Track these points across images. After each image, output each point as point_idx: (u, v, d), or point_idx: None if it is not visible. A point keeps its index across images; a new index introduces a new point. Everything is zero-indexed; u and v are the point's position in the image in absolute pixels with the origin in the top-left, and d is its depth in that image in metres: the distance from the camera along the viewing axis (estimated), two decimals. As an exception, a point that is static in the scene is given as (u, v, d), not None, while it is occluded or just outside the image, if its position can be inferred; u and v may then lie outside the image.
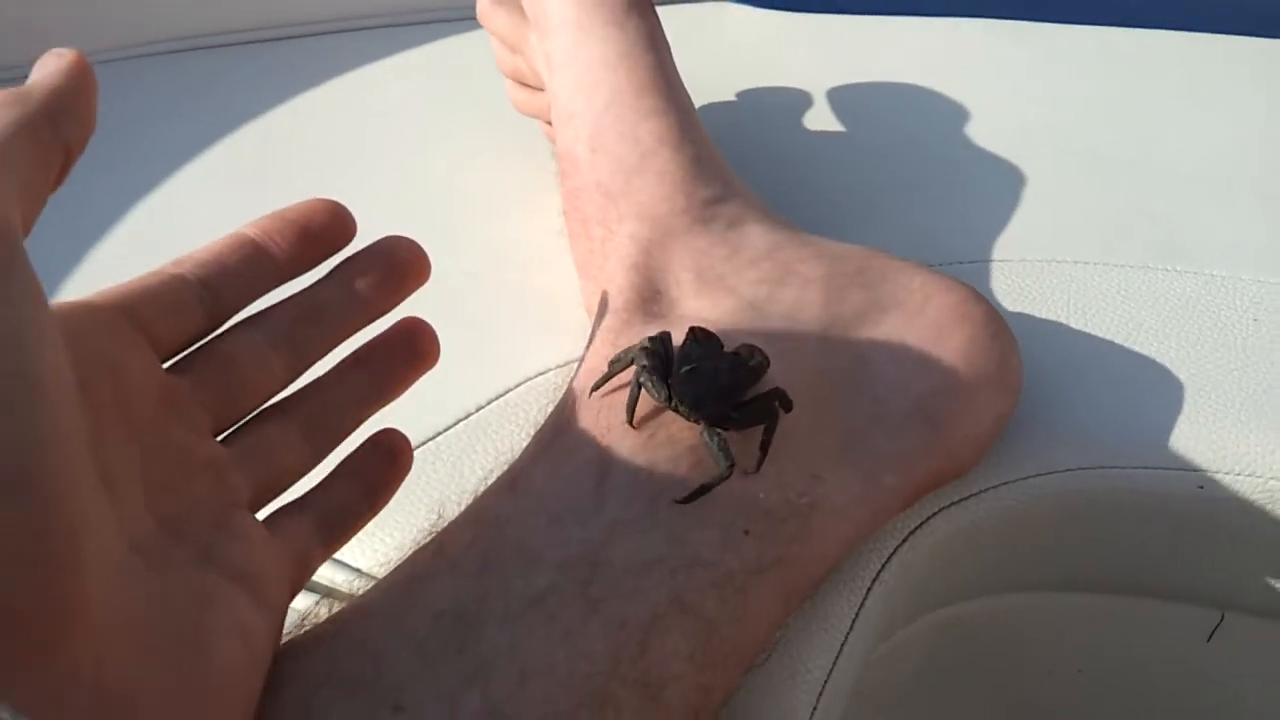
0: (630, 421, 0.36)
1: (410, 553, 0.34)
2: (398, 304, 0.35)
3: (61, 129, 0.26)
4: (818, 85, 0.62)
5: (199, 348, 0.31)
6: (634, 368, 0.36)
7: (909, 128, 0.60)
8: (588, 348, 0.41)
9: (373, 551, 0.40)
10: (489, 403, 0.45)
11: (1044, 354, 0.45)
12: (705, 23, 0.68)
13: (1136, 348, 0.47)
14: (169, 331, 0.30)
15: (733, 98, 0.62)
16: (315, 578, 0.39)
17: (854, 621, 0.38)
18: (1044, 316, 0.48)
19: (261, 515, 0.32)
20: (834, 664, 0.37)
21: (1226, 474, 0.43)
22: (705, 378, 0.35)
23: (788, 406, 0.36)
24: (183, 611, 0.26)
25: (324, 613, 0.33)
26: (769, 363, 0.37)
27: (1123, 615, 0.49)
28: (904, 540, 0.40)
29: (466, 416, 0.44)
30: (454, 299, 0.50)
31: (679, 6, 0.68)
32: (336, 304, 0.33)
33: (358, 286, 0.34)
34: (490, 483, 0.36)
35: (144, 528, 0.27)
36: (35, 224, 0.25)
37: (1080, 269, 0.50)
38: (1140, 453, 0.43)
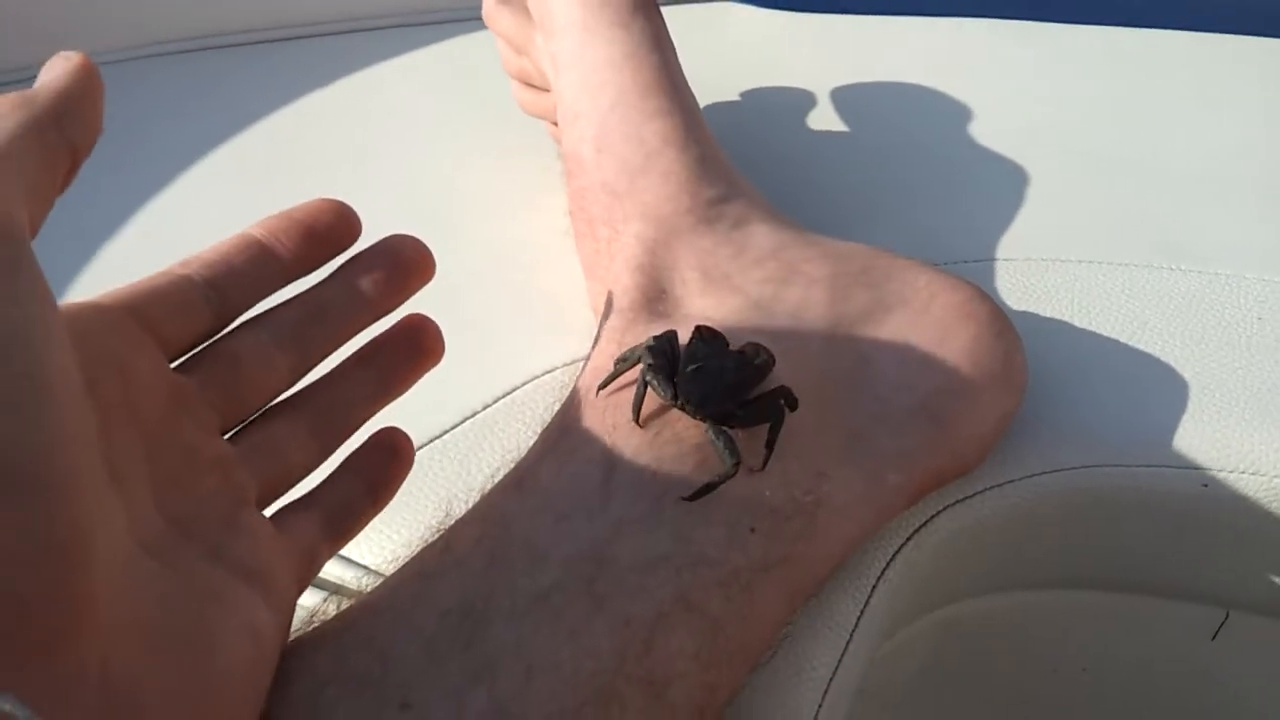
0: (636, 420, 0.36)
1: (418, 550, 0.34)
2: (403, 302, 0.35)
3: (68, 131, 0.26)
4: (822, 85, 0.62)
5: (206, 347, 0.32)
6: (640, 366, 0.36)
7: (913, 127, 0.60)
8: (593, 347, 0.41)
9: (380, 549, 0.40)
10: (495, 401, 0.45)
11: (1048, 352, 0.45)
12: (710, 23, 0.68)
13: (1141, 346, 0.47)
14: (176, 331, 0.30)
15: (737, 98, 0.62)
16: (323, 575, 0.39)
17: (859, 619, 0.38)
18: (1048, 315, 0.48)
19: (268, 513, 0.32)
20: (839, 662, 0.37)
21: (1231, 472, 0.43)
22: (711, 376, 0.35)
23: (793, 405, 0.36)
24: (191, 609, 0.26)
25: (332, 610, 0.33)
26: (774, 361, 0.37)
27: (1127, 613, 0.49)
28: (909, 538, 0.40)
29: (473, 415, 0.44)
30: (460, 298, 0.50)
31: (684, 7, 0.68)
32: (342, 302, 0.34)
33: (363, 285, 0.34)
34: (497, 481, 0.36)
35: (152, 526, 0.27)
36: (43, 225, 0.25)
37: (1084, 268, 0.50)
38: (1144, 451, 0.43)
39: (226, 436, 0.32)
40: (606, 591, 0.32)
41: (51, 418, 0.22)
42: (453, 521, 0.35)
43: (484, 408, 0.45)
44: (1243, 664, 0.50)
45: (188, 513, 0.28)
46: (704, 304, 0.41)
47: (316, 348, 0.33)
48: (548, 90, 0.51)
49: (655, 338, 0.37)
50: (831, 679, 0.37)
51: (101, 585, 0.22)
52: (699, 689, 0.32)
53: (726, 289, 0.42)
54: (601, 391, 0.37)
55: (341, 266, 0.34)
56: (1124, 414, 0.44)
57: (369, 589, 0.34)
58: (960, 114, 0.60)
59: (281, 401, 0.33)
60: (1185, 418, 0.44)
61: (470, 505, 0.36)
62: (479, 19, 0.56)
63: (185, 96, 0.65)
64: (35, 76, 0.27)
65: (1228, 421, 0.44)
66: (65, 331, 0.24)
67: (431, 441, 0.43)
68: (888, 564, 0.39)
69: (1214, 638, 0.48)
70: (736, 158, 0.48)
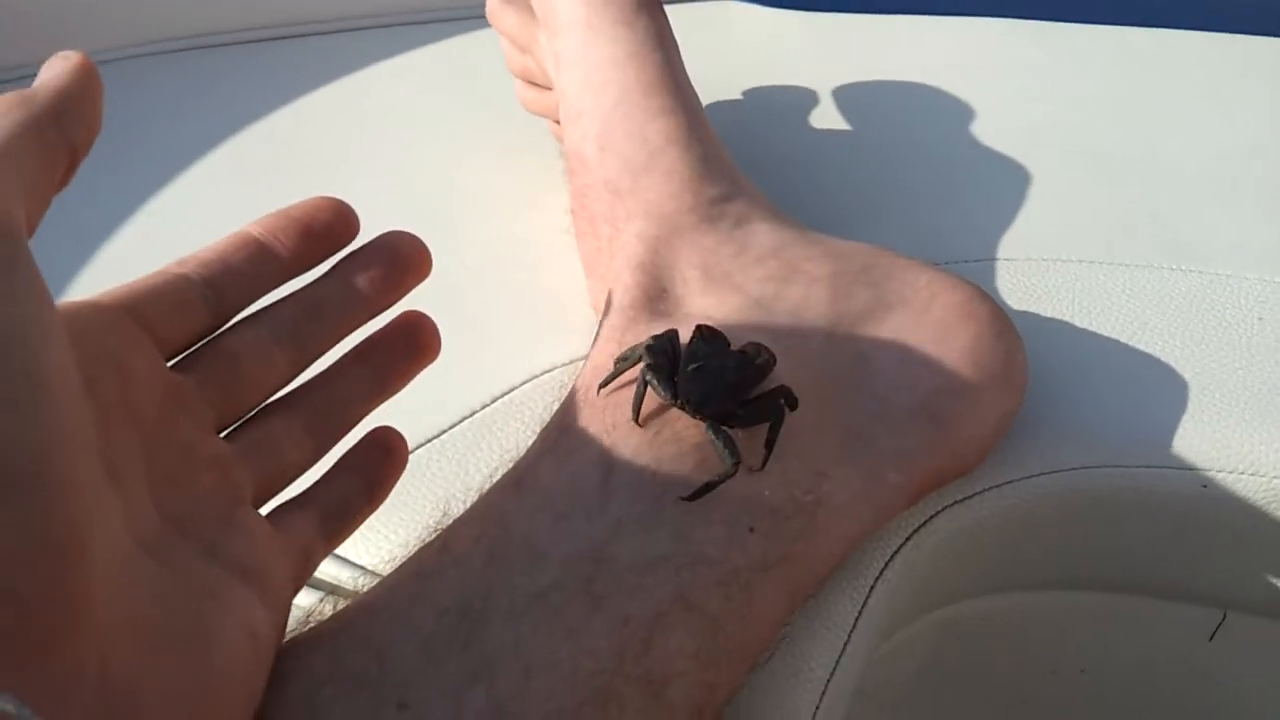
0: (636, 419, 0.36)
1: (415, 550, 0.34)
2: (400, 298, 0.35)
3: (67, 130, 0.26)
4: (824, 84, 0.62)
5: (203, 345, 0.32)
6: (640, 365, 0.36)
7: (915, 126, 0.60)
8: (593, 345, 0.41)
9: (377, 549, 0.40)
10: (494, 400, 0.45)
11: (1049, 353, 0.45)
12: (713, 21, 0.68)
13: (1141, 347, 0.47)
14: (173, 330, 0.30)
15: (739, 96, 0.62)
16: (320, 575, 0.39)
17: (857, 620, 0.38)
18: (1049, 315, 0.48)
19: (264, 511, 0.32)
20: (837, 662, 0.37)
21: (1230, 473, 0.43)
22: (712, 375, 0.35)
23: (793, 404, 0.36)
24: (188, 607, 0.26)
25: (329, 610, 0.33)
26: (775, 361, 0.37)
27: (1125, 614, 0.49)
28: (908, 538, 0.40)
29: (472, 414, 0.44)
30: (460, 297, 0.50)
31: (687, 5, 0.68)
32: (338, 300, 0.34)
33: (359, 282, 0.34)
34: (495, 480, 0.36)
35: (150, 524, 0.27)
36: (40, 224, 0.25)
37: (1085, 268, 0.50)
38: (1144, 451, 0.43)
39: (223, 435, 0.32)
40: (605, 591, 0.32)
41: (49, 416, 0.22)
42: (451, 521, 0.35)
43: (483, 407, 0.45)
44: (1241, 664, 0.50)
45: (184, 511, 0.28)
46: (705, 303, 0.41)
47: (313, 345, 0.33)
48: (550, 88, 0.51)
49: (655, 337, 0.37)
50: (830, 679, 0.37)
51: (99, 584, 0.22)
52: (698, 688, 0.32)
53: (727, 288, 0.42)
54: (601, 391, 0.37)
55: (338, 263, 0.34)
56: (1124, 414, 0.44)
57: (366, 589, 0.34)
58: (962, 113, 0.60)
59: (278, 399, 0.33)
60: (1185, 418, 0.44)
61: (468, 505, 0.36)
62: (482, 17, 0.56)
63: (185, 95, 0.65)
64: (34, 75, 0.27)
65: (1228, 422, 0.44)
66: (63, 330, 0.24)
67: (430, 441, 0.43)
68: (886, 564, 0.39)
69: (1212, 638, 0.48)
70: (739, 157, 0.48)
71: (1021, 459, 0.42)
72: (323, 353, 0.34)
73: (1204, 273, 0.50)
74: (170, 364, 0.31)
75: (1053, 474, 0.42)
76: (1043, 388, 0.44)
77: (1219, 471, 0.43)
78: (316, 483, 0.34)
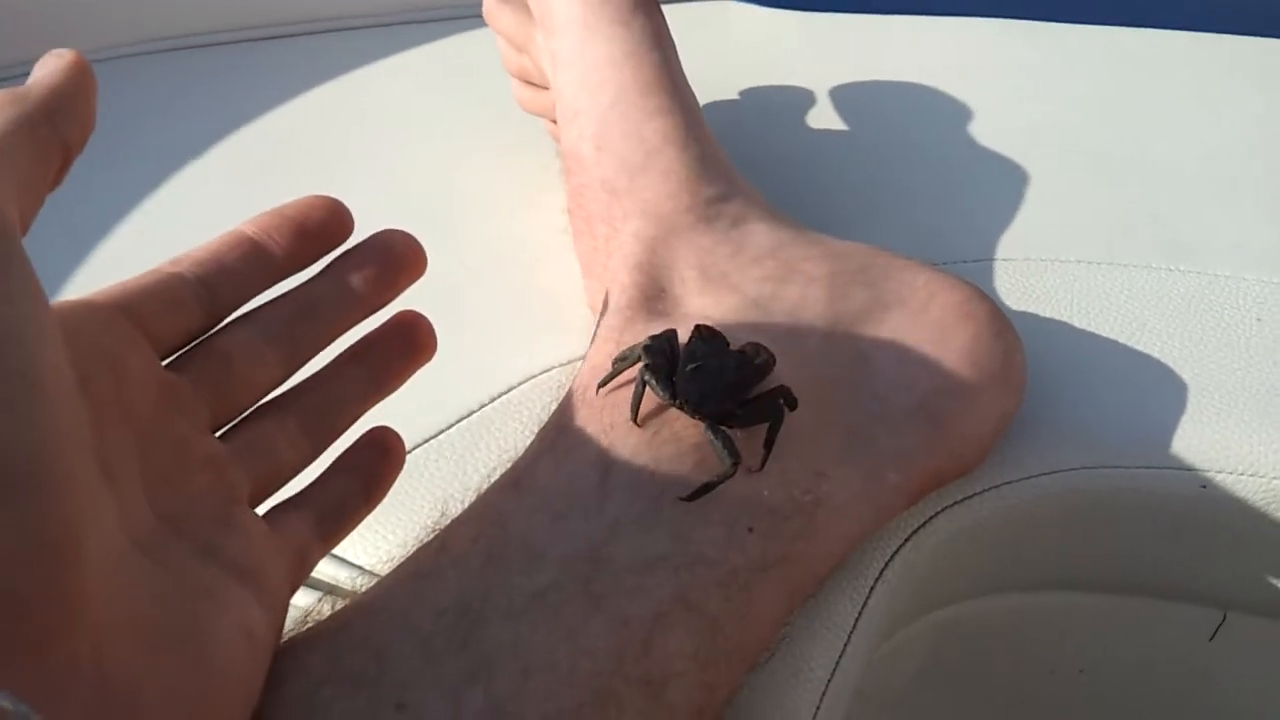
0: (634, 419, 0.36)
1: (413, 550, 0.34)
2: (394, 297, 0.35)
3: (60, 127, 0.26)
4: (822, 84, 0.62)
5: (197, 345, 0.31)
6: (639, 365, 0.36)
7: (912, 127, 0.60)
8: (591, 345, 0.41)
9: (375, 549, 0.40)
10: (492, 401, 0.45)
11: (1047, 353, 0.45)
12: (710, 21, 0.68)
13: (1140, 347, 0.47)
14: (167, 329, 0.30)
15: (736, 96, 0.62)
16: (318, 575, 0.39)
17: (857, 620, 0.38)
18: (1047, 316, 0.48)
19: (260, 511, 0.32)
20: (837, 663, 0.37)
21: (1229, 474, 0.43)
22: (710, 375, 0.35)
23: (792, 404, 0.36)
24: (184, 606, 0.26)
25: (327, 610, 0.33)
26: (775, 361, 0.37)
27: (1125, 615, 0.49)
28: (907, 539, 0.40)
29: (469, 414, 0.44)
30: (457, 297, 0.50)
31: (684, 5, 0.68)
32: (332, 299, 0.33)
33: (353, 281, 0.33)
34: (493, 480, 0.36)
35: (145, 523, 0.27)
36: (34, 222, 0.25)
37: (1084, 268, 0.50)
38: (1143, 452, 0.43)
39: (218, 435, 0.31)
40: (604, 591, 0.32)
41: (44, 416, 0.22)
42: (449, 521, 0.35)
43: (480, 407, 0.45)
44: (1240, 665, 0.50)
45: (180, 510, 0.28)
46: (702, 303, 0.41)
47: (307, 344, 0.33)
48: (547, 88, 0.51)
49: (654, 337, 0.37)
50: (830, 680, 0.37)
51: (94, 582, 0.22)
52: (697, 689, 0.32)
53: (725, 287, 0.42)
54: (600, 390, 0.37)
55: (332, 262, 0.34)
56: (1123, 415, 0.44)
57: (364, 589, 0.34)
58: (960, 113, 0.60)
59: (273, 399, 0.33)
60: (1184, 419, 0.44)
61: (466, 505, 0.36)
62: (478, 17, 0.56)
63: (181, 94, 0.65)
64: (28, 73, 0.27)
65: (1226, 423, 0.44)
66: (58, 329, 0.24)
67: (427, 441, 0.43)
68: (886, 565, 0.39)
69: (1212, 639, 0.48)
70: (736, 157, 0.48)
71: (1020, 460, 0.42)
72: (317, 352, 0.34)
73: (1203, 273, 0.50)
74: (164, 363, 0.30)
75: (1052, 475, 0.42)
76: (1041, 388, 0.44)
77: (1218, 472, 0.43)
78: (313, 483, 0.33)
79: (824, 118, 0.61)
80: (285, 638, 0.31)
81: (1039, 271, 0.50)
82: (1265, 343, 0.47)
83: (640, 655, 0.31)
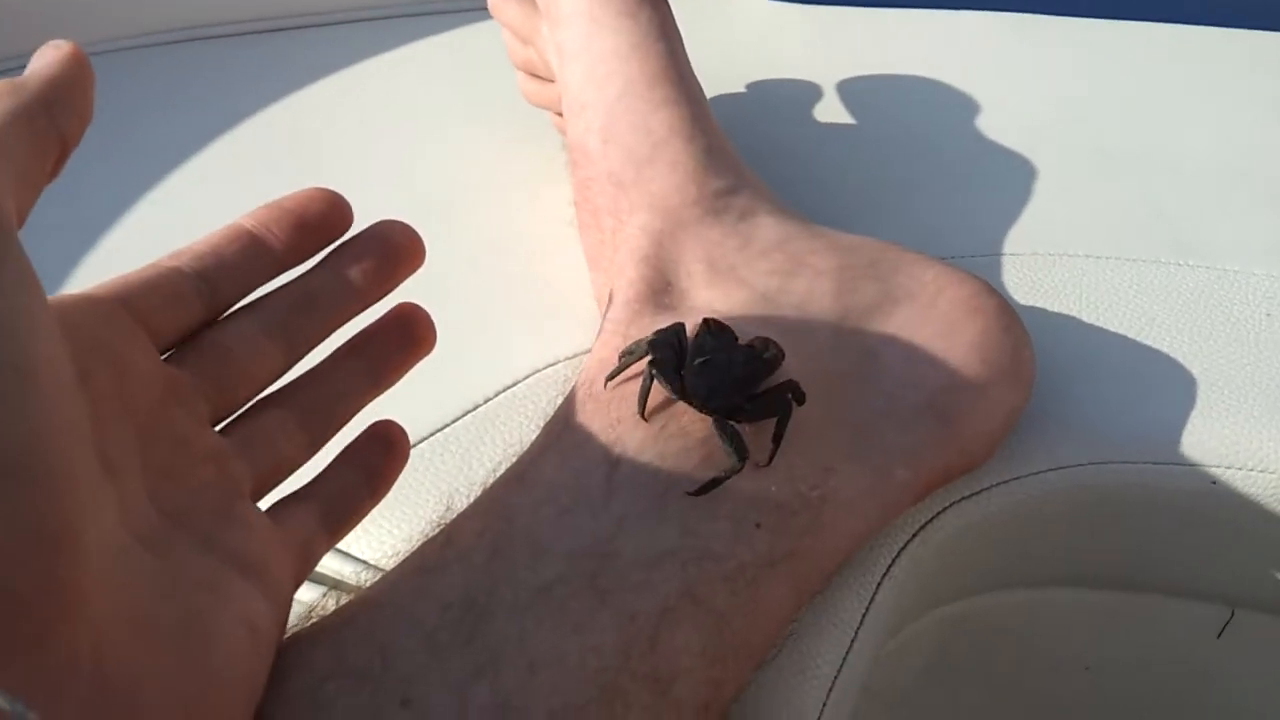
0: (641, 414, 0.35)
1: (418, 544, 0.34)
2: (393, 288, 0.34)
3: (58, 118, 0.26)
4: (827, 78, 0.62)
5: (195, 338, 0.31)
6: (645, 359, 0.36)
7: (919, 121, 0.60)
8: (597, 339, 0.40)
9: (379, 543, 0.40)
10: (497, 395, 0.45)
11: (1055, 348, 0.45)
12: (715, 14, 0.67)
13: (1148, 342, 0.46)
14: (167, 323, 0.30)
15: (742, 90, 0.61)
16: (322, 570, 0.39)
17: (864, 616, 0.38)
18: (1055, 311, 0.48)
19: (263, 505, 0.31)
20: (844, 659, 0.37)
21: (1239, 470, 0.42)
22: (719, 370, 0.35)
23: (801, 399, 0.36)
24: (186, 600, 0.26)
25: (331, 605, 0.33)
26: (784, 355, 0.37)
27: (1132, 611, 0.48)
28: (914, 535, 0.40)
29: (475, 408, 0.44)
30: (463, 291, 0.50)
31: (688, -3, 0.68)
32: (331, 291, 0.33)
33: (352, 273, 0.33)
34: (499, 475, 0.36)
35: (146, 517, 0.27)
36: (31, 215, 0.25)
37: (1092, 263, 0.50)
38: (1152, 448, 0.43)
39: (218, 429, 0.31)
40: (610, 586, 0.32)
41: (38, 408, 0.22)
42: (454, 515, 0.35)
43: (485, 401, 0.44)
44: (1248, 662, 0.49)
45: (181, 504, 0.28)
46: (710, 296, 0.41)
47: (306, 337, 0.33)
48: (553, 81, 0.51)
49: (662, 330, 0.37)
50: (836, 676, 0.36)
51: (93, 577, 0.22)
52: (704, 685, 0.32)
53: (732, 281, 0.41)
54: (607, 384, 0.37)
55: (330, 254, 0.34)
56: (1131, 410, 0.44)
57: (369, 584, 0.34)
58: (967, 108, 0.60)
59: (273, 393, 0.33)
60: (1193, 414, 0.43)
61: (472, 499, 0.35)
62: (483, 9, 0.56)
63: (182, 87, 0.65)
64: (25, 66, 0.26)
65: (1236, 419, 0.43)
66: (54, 322, 0.24)
67: (433, 435, 0.43)
68: (893, 560, 0.39)
69: (1219, 636, 0.48)
70: (741, 150, 0.47)
71: (1028, 455, 0.42)
72: (316, 345, 0.33)
73: (1211, 268, 0.50)
74: (164, 357, 0.30)
75: (1060, 470, 0.42)
76: (1049, 383, 0.44)
77: (1227, 468, 0.42)
78: (317, 476, 0.33)
79: (829, 112, 0.60)
80: (289, 633, 0.31)
81: (1046, 266, 0.50)
82: (1275, 338, 0.46)
83: (647, 651, 0.31)
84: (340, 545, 0.38)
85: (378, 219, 0.34)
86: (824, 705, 0.36)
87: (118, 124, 0.60)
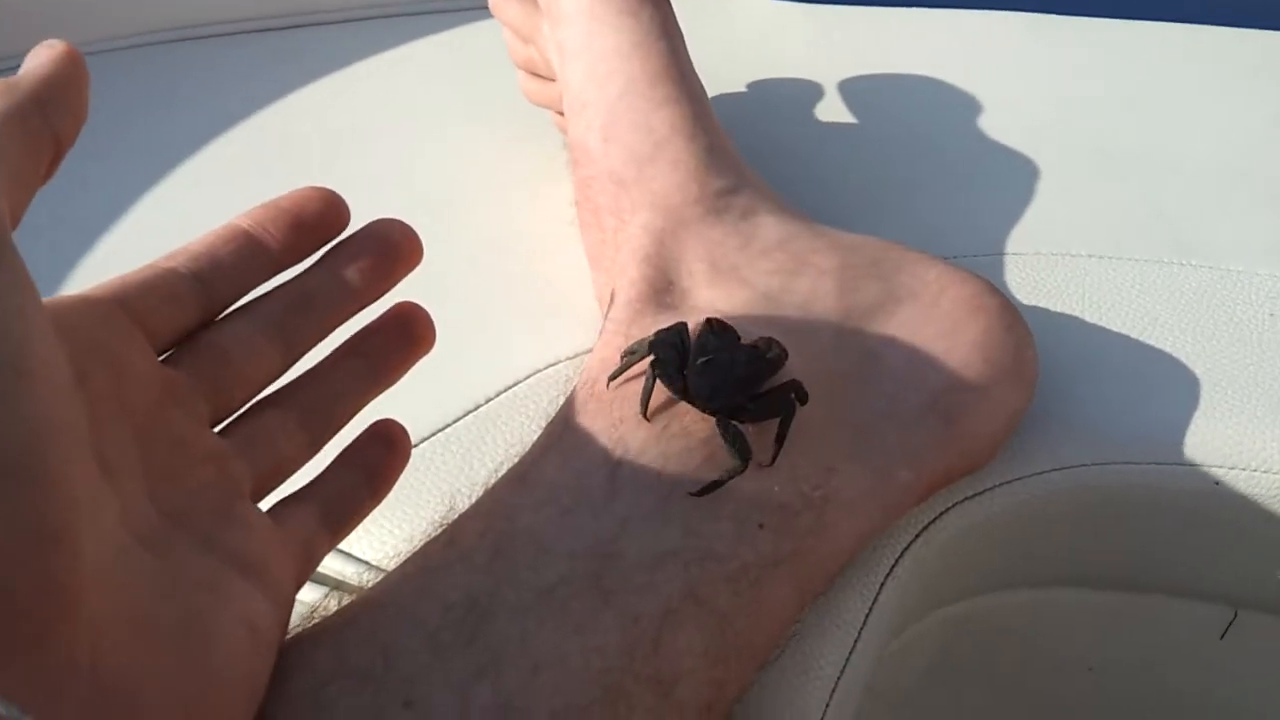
0: (644, 413, 0.35)
1: (420, 545, 0.34)
2: (391, 287, 0.34)
3: (52, 118, 0.25)
4: (829, 77, 0.62)
5: (193, 339, 0.31)
6: (649, 359, 0.36)
7: (921, 121, 0.59)
8: (599, 339, 0.40)
9: (381, 544, 0.40)
10: (498, 395, 0.45)
11: (1058, 348, 0.45)
12: (716, 13, 0.67)
13: (1151, 342, 0.46)
14: (164, 325, 0.30)
15: (743, 89, 0.61)
16: (324, 570, 0.39)
17: (867, 617, 0.38)
18: (1058, 310, 0.48)
19: (264, 506, 0.31)
20: (847, 660, 0.37)
21: (1242, 470, 0.42)
22: (722, 369, 0.35)
23: (804, 399, 0.36)
24: (186, 600, 0.26)
25: (333, 605, 0.33)
26: (787, 355, 0.37)
27: (1135, 612, 0.48)
28: (917, 535, 0.40)
29: (476, 408, 0.44)
30: (464, 290, 0.50)
31: (689, -4, 0.67)
32: (328, 290, 0.33)
33: (349, 272, 0.33)
34: (501, 475, 0.36)
35: (146, 518, 0.26)
36: (27, 216, 0.25)
37: (1094, 263, 0.50)
38: (1155, 448, 0.43)
39: (218, 430, 0.31)
40: (613, 587, 0.32)
41: (35, 409, 0.22)
42: (456, 516, 0.35)
43: (487, 401, 0.44)
44: (1251, 663, 0.49)
45: (181, 505, 0.28)
46: (712, 295, 0.41)
47: (303, 337, 0.33)
48: (554, 80, 0.51)
49: (664, 330, 0.36)
50: (840, 677, 0.36)
51: (91, 577, 0.22)
52: (707, 686, 0.32)
53: (735, 280, 0.41)
54: (610, 384, 0.37)
55: (327, 253, 0.34)
56: (1134, 411, 0.44)
57: (371, 584, 0.33)
58: (969, 107, 0.60)
59: (272, 393, 0.33)
60: (1196, 415, 0.43)
61: (473, 500, 0.35)
62: (484, 8, 0.56)
63: (181, 87, 0.65)
64: (19, 66, 0.26)
65: (1239, 419, 0.43)
66: (49, 323, 0.23)
67: (434, 435, 0.43)
68: (896, 561, 0.39)
69: (1223, 637, 0.48)
70: (743, 150, 0.47)
71: (1031, 455, 0.42)
72: (314, 344, 0.33)
73: (1214, 268, 0.49)
74: (161, 359, 0.30)
75: (1062, 470, 0.42)
76: (1052, 383, 0.44)
77: (1230, 468, 0.42)
78: (318, 476, 0.33)
79: (831, 111, 0.60)
80: (292, 633, 0.31)
81: (1049, 266, 0.50)
82: (1278, 338, 0.46)
83: (650, 652, 0.31)
84: (342, 546, 0.38)
85: (376, 217, 0.34)
86: (827, 706, 0.36)
87: (115, 124, 0.60)
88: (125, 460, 0.26)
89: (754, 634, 0.33)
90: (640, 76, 0.45)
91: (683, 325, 0.37)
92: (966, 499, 0.41)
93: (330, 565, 0.39)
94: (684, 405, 0.36)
